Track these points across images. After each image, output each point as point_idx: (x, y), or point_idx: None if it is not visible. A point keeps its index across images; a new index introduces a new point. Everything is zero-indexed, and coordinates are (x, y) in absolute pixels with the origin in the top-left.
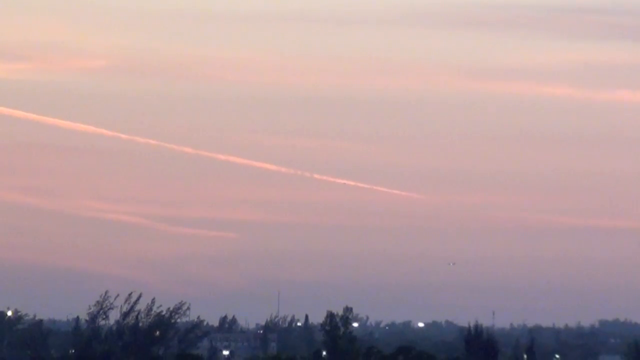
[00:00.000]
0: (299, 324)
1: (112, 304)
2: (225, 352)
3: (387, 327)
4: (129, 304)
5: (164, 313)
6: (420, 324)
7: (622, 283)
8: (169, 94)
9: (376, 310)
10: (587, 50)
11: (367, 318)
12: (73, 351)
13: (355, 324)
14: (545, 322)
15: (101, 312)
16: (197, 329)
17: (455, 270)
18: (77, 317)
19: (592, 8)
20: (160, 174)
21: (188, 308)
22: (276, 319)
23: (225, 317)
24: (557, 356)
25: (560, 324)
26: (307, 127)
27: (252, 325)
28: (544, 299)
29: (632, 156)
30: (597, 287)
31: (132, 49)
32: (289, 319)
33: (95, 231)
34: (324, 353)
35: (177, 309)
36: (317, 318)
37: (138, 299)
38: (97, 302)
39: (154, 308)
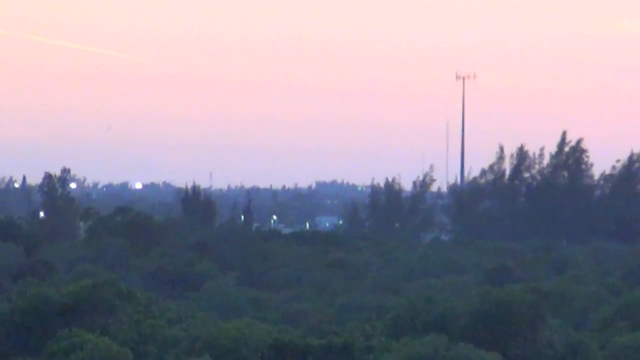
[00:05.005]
0: (16, 185)
1: None
2: None
3: (104, 189)
4: None
5: None
6: (138, 185)
7: (338, 144)
8: None
9: (94, 171)
10: None
11: (85, 179)
12: None
13: (73, 185)
14: (263, 183)
15: None
16: None
17: (173, 132)
18: None
19: None
20: None
21: None
22: None
23: None
24: (275, 217)
25: (277, 185)
26: None
27: None
28: (261, 160)
29: None
30: (314, 148)
31: None
32: (6, 180)
33: None
34: (42, 214)
35: None
36: (35, 179)
37: None
38: None
39: None
